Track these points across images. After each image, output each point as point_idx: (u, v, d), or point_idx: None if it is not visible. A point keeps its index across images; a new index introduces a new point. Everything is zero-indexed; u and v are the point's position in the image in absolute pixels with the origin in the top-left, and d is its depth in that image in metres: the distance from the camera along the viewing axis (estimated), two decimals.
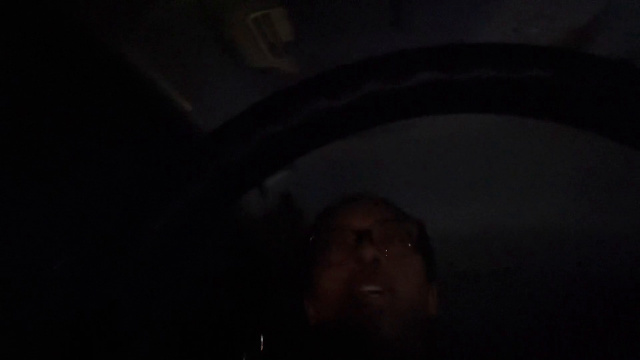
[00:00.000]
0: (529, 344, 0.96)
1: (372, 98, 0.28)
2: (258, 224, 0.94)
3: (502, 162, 0.91)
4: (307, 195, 0.94)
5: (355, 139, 0.84)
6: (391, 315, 0.60)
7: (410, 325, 0.61)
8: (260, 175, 0.31)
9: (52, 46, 0.58)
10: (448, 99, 0.29)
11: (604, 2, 0.64)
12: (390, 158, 0.91)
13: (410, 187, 0.83)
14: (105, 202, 0.62)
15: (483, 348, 0.95)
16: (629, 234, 0.91)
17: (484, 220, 0.97)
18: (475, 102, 0.29)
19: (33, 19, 0.55)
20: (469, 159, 0.91)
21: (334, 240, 0.66)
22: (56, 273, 0.54)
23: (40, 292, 0.53)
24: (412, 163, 0.91)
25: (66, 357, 0.29)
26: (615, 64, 0.28)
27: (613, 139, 0.29)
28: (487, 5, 0.63)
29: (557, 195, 0.93)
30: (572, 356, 0.92)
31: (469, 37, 0.67)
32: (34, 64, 0.56)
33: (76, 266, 0.54)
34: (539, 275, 0.98)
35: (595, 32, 0.66)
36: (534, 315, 0.97)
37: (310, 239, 0.68)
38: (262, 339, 0.87)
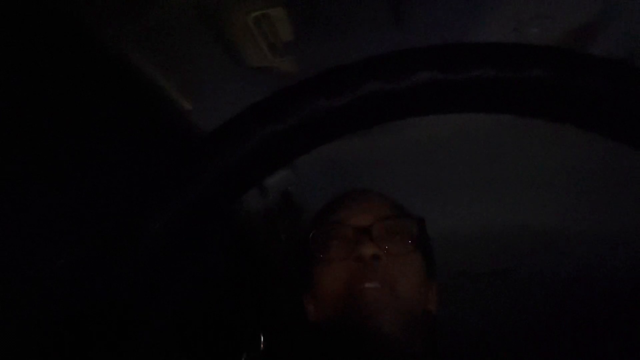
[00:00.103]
0: (529, 344, 0.96)
1: (372, 98, 0.28)
2: (258, 224, 0.94)
3: (502, 162, 0.91)
4: (307, 194, 0.94)
5: (355, 139, 0.84)
6: (391, 313, 0.60)
7: (410, 323, 0.61)
8: (260, 174, 0.31)
9: (52, 46, 0.58)
10: (448, 98, 0.29)
11: (604, 2, 0.64)
12: (390, 158, 0.91)
13: (410, 187, 0.83)
14: (106, 202, 0.62)
15: (483, 348, 0.95)
16: (629, 234, 0.91)
17: (484, 220, 0.97)
18: (475, 102, 0.29)
19: (33, 19, 0.55)
20: (469, 159, 0.91)
21: (333, 237, 0.66)
22: (56, 273, 0.54)
23: (40, 292, 0.53)
24: (412, 163, 0.91)
25: (66, 357, 0.29)
26: (615, 64, 0.28)
27: (613, 139, 0.29)
28: (486, 5, 0.63)
29: (557, 195, 0.93)
30: (572, 356, 0.92)
31: (469, 37, 0.67)
32: (34, 63, 0.56)
33: (77, 266, 0.54)
34: (538, 275, 0.98)
35: (595, 32, 0.66)
36: (534, 315, 0.97)
37: (310, 235, 0.68)
38: (262, 339, 0.87)
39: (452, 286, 0.97)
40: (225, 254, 0.91)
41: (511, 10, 0.63)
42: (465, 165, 0.92)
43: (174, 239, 0.29)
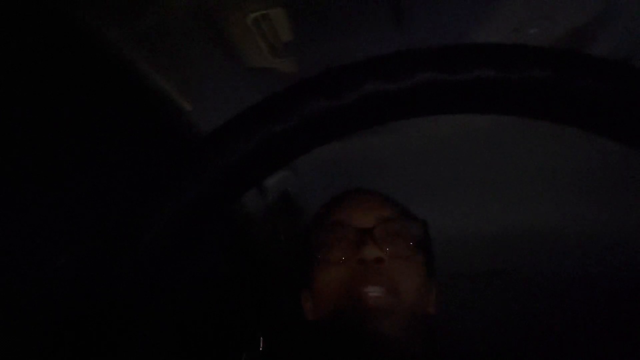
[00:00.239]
0: (528, 344, 0.96)
1: (372, 98, 0.28)
2: (258, 224, 0.94)
3: (501, 162, 0.91)
4: (307, 195, 0.94)
5: (355, 139, 0.85)
6: (392, 315, 0.60)
7: (411, 324, 0.61)
8: (260, 175, 0.31)
9: (51, 46, 0.58)
10: (448, 99, 0.29)
11: (604, 2, 0.64)
12: (390, 158, 0.91)
13: (409, 187, 0.83)
14: (106, 202, 0.62)
15: (482, 348, 0.95)
16: (628, 234, 0.92)
17: (483, 220, 0.97)
18: (475, 102, 0.29)
19: (33, 19, 0.55)
20: (469, 159, 0.91)
21: (335, 238, 0.66)
22: (56, 273, 0.54)
23: (40, 292, 0.53)
24: (411, 163, 0.91)
25: (66, 357, 0.29)
26: (615, 64, 0.28)
27: (613, 140, 0.29)
28: (487, 6, 0.63)
29: (557, 195, 0.93)
30: (572, 356, 0.92)
31: (469, 37, 0.67)
32: (33, 64, 0.56)
33: (76, 266, 0.54)
34: (538, 275, 0.98)
35: (595, 32, 0.66)
36: (534, 315, 0.97)
37: (312, 235, 0.67)
38: (261, 339, 0.87)
39: (452, 286, 0.97)
40: (225, 254, 0.91)
41: (511, 11, 0.63)
42: (465, 165, 0.92)
43: (173, 239, 0.29)
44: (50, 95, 0.58)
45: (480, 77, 0.27)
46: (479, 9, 0.63)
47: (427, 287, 0.67)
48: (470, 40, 0.66)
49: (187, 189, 0.29)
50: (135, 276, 0.28)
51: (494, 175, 0.92)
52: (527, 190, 0.94)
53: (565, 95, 0.27)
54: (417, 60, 0.28)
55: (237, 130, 0.29)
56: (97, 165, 0.64)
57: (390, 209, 0.69)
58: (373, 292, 0.61)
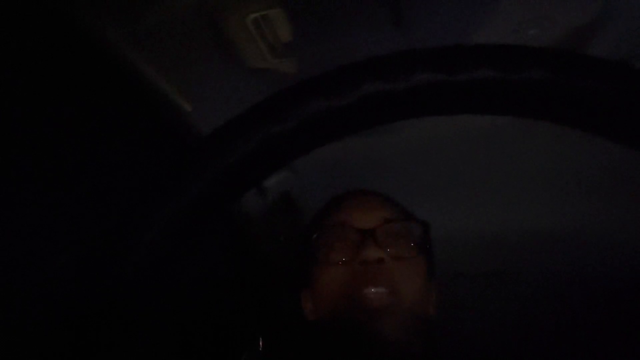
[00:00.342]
0: (528, 344, 0.96)
1: (372, 99, 0.28)
2: (257, 224, 0.94)
3: (501, 162, 0.91)
4: (307, 195, 0.94)
5: (355, 139, 0.85)
6: (393, 316, 0.60)
7: (411, 325, 0.61)
8: (260, 175, 0.31)
9: (51, 46, 0.58)
10: (447, 99, 0.29)
11: (603, 2, 0.64)
12: (390, 158, 0.91)
13: (409, 188, 0.83)
14: (106, 202, 0.62)
15: (482, 348, 0.95)
16: (628, 235, 0.91)
17: (483, 220, 0.97)
18: (474, 103, 0.29)
19: (33, 19, 0.55)
20: (469, 160, 0.91)
21: (337, 238, 0.66)
22: (56, 273, 0.54)
23: (40, 292, 0.53)
24: (411, 163, 0.91)
25: (66, 357, 0.29)
26: (614, 64, 0.28)
27: (613, 140, 0.29)
28: (486, 6, 0.63)
29: (557, 195, 0.93)
30: (572, 356, 0.92)
31: (469, 38, 0.67)
32: (33, 64, 0.57)
33: (76, 266, 0.54)
34: (538, 275, 0.98)
35: (595, 33, 0.66)
36: (533, 316, 0.97)
37: (313, 235, 0.67)
38: (261, 339, 0.87)
39: (452, 287, 0.97)
40: (225, 254, 0.91)
41: (511, 11, 0.63)
42: (465, 165, 0.92)
43: (174, 239, 0.29)
44: (50, 96, 0.58)
45: (480, 78, 0.27)
46: (479, 9, 0.63)
47: (427, 288, 0.67)
48: (470, 41, 0.66)
49: (187, 189, 0.29)
50: (135, 276, 0.28)
51: (494, 176, 0.92)
52: (527, 190, 0.94)
53: (564, 96, 0.27)
54: (416, 60, 0.28)
55: (237, 130, 0.29)
56: (97, 165, 0.64)
57: (392, 209, 0.69)
58: (374, 292, 0.60)
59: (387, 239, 0.64)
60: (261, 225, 0.94)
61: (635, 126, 0.28)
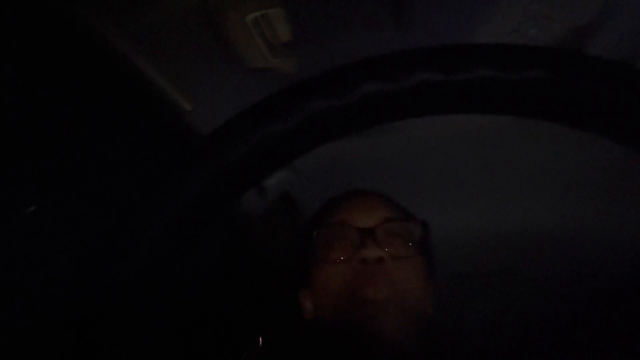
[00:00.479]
0: (528, 344, 0.96)
1: (371, 98, 0.28)
2: (257, 224, 0.94)
3: (501, 162, 0.91)
4: (306, 195, 0.94)
5: (355, 139, 0.85)
6: (393, 316, 0.60)
7: (410, 325, 0.61)
8: (260, 175, 0.31)
9: (51, 46, 0.58)
10: (447, 99, 0.29)
11: (603, 2, 0.64)
12: (390, 158, 0.91)
13: (409, 187, 0.83)
14: (105, 202, 0.62)
15: (482, 348, 0.95)
16: (628, 235, 0.92)
17: (483, 220, 0.97)
18: (474, 102, 0.29)
19: (32, 19, 0.55)
20: (469, 159, 0.91)
21: (336, 237, 0.66)
22: (56, 273, 0.54)
23: (40, 293, 0.53)
24: (411, 163, 0.91)
25: (66, 357, 0.29)
26: (614, 64, 0.28)
27: (612, 140, 0.29)
28: (486, 6, 0.63)
29: (557, 195, 0.93)
30: (571, 356, 0.92)
31: (469, 38, 0.67)
32: (33, 63, 0.57)
33: (76, 266, 0.54)
34: (538, 275, 0.98)
35: (595, 33, 0.66)
36: (533, 315, 0.97)
37: (314, 234, 0.67)
38: (261, 339, 0.87)
39: (452, 287, 0.97)
40: (225, 254, 0.91)
41: (511, 11, 0.63)
42: (465, 165, 0.92)
43: (173, 239, 0.29)
44: (50, 95, 0.58)
45: (480, 78, 0.27)
46: (479, 9, 0.63)
47: (426, 287, 0.67)
48: (470, 41, 0.66)
49: (187, 189, 0.29)
50: (135, 276, 0.28)
51: (494, 175, 0.92)
52: (527, 190, 0.94)
53: (564, 96, 0.27)
54: (416, 60, 0.28)
55: (237, 130, 0.29)
56: (97, 165, 0.64)
57: (391, 209, 0.69)
58: (373, 292, 0.61)
59: (387, 238, 0.64)
60: (261, 224, 0.94)
61: (635, 126, 0.28)
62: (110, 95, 0.66)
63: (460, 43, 0.28)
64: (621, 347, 0.89)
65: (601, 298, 0.94)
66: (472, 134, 0.85)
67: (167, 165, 0.30)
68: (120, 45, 0.62)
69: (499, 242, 0.98)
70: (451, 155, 0.90)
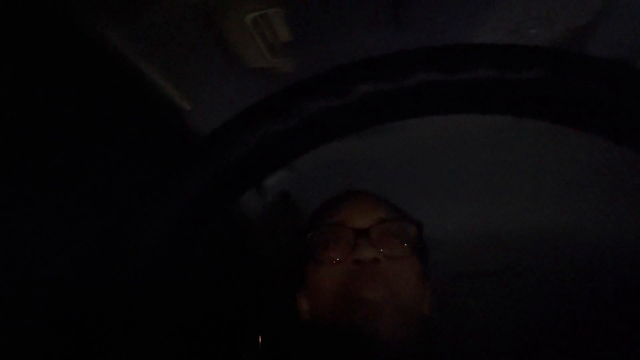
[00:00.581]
0: (529, 344, 0.96)
1: (370, 98, 0.28)
2: (257, 224, 0.94)
3: (501, 162, 0.91)
4: (306, 194, 0.94)
5: (354, 139, 0.85)
6: (389, 316, 0.60)
7: (407, 325, 0.61)
8: (259, 175, 0.31)
9: (50, 46, 0.58)
10: (446, 99, 0.29)
11: (603, 2, 0.64)
12: (389, 158, 0.91)
13: (409, 187, 0.83)
14: (105, 202, 0.62)
15: (482, 348, 0.95)
16: (628, 235, 0.92)
17: (483, 220, 0.97)
18: (473, 102, 0.29)
19: (32, 19, 0.55)
20: (468, 159, 0.91)
21: (332, 238, 0.66)
22: (56, 273, 0.54)
23: (40, 292, 0.53)
24: (411, 163, 0.91)
25: (66, 357, 0.29)
26: (614, 64, 0.28)
27: (612, 140, 0.29)
28: (486, 6, 0.63)
29: (556, 195, 0.93)
30: (571, 356, 0.92)
31: (468, 38, 0.67)
32: (32, 63, 0.56)
33: (76, 266, 0.54)
34: (538, 275, 0.98)
35: (595, 33, 0.66)
36: (534, 315, 0.97)
37: (308, 235, 0.68)
38: (260, 339, 0.87)
39: (452, 287, 0.97)
40: (224, 254, 0.91)
41: (510, 12, 0.63)
42: (464, 165, 0.92)
43: (173, 239, 0.29)
44: (49, 95, 0.58)
45: (479, 78, 0.27)
46: (479, 9, 0.63)
47: (422, 287, 0.67)
48: (470, 41, 0.66)
49: (186, 189, 0.29)
50: (135, 276, 0.29)
51: (494, 175, 0.92)
52: (527, 190, 0.94)
53: (564, 96, 0.27)
54: (414, 60, 0.28)
55: (236, 130, 0.29)
56: (96, 165, 0.64)
57: (386, 210, 0.69)
58: (369, 292, 0.61)
59: (382, 238, 0.65)
60: (260, 224, 0.94)
61: (635, 126, 0.28)
62: (110, 95, 0.66)
63: (460, 43, 0.28)
64: (621, 347, 0.89)
65: (601, 298, 0.94)
66: (472, 134, 0.85)
67: (166, 166, 0.30)
68: (119, 45, 0.62)
69: (499, 242, 0.98)
70: (451, 155, 0.90)
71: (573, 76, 0.27)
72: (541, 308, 0.97)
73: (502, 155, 0.90)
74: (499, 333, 0.97)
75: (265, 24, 0.62)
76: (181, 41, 0.64)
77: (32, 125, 0.56)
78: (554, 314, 0.96)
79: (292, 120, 0.28)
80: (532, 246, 0.97)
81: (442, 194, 0.94)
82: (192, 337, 0.78)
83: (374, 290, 0.61)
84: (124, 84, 0.66)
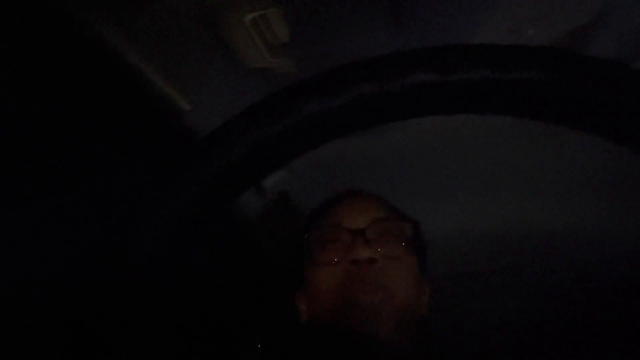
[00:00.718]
0: (528, 344, 0.96)
1: (368, 99, 0.28)
2: (255, 224, 0.94)
3: (500, 162, 0.91)
4: (304, 195, 0.94)
5: (353, 139, 0.84)
6: (386, 316, 0.60)
7: (404, 325, 0.61)
8: (258, 175, 0.31)
9: (49, 46, 0.58)
10: (444, 100, 0.29)
11: (603, 2, 0.64)
12: (387, 158, 0.91)
13: (408, 188, 0.83)
14: (104, 202, 0.62)
15: (481, 348, 0.95)
16: (628, 235, 0.92)
17: (483, 220, 0.97)
18: (471, 103, 0.29)
19: (32, 18, 0.55)
20: (467, 160, 0.91)
21: (328, 239, 0.66)
22: (56, 273, 0.54)
23: (40, 293, 0.53)
24: (410, 163, 0.91)
25: (66, 357, 0.29)
26: (613, 64, 0.28)
27: (611, 141, 0.29)
28: (485, 6, 0.63)
29: (556, 195, 0.93)
30: (571, 356, 0.92)
31: (467, 38, 0.67)
32: (32, 64, 0.57)
33: (76, 266, 0.54)
34: (538, 275, 0.98)
35: (593, 33, 0.66)
36: (534, 315, 0.97)
37: (305, 235, 0.67)
38: (260, 339, 0.87)
39: (451, 287, 0.97)
40: (224, 254, 0.91)
41: (509, 12, 0.63)
42: (463, 165, 0.92)
43: (173, 239, 0.29)
44: (49, 96, 0.58)
45: (477, 78, 0.27)
46: (478, 9, 0.63)
47: (419, 287, 0.67)
48: (469, 41, 0.66)
49: (186, 189, 0.29)
50: (135, 276, 0.29)
51: (493, 175, 0.92)
52: (526, 190, 0.94)
53: (563, 96, 0.28)
54: (412, 61, 0.28)
55: (236, 130, 0.29)
56: (96, 165, 0.64)
57: (383, 209, 0.69)
58: (366, 293, 0.60)
59: (378, 238, 0.64)
60: (259, 225, 0.94)
61: (635, 126, 0.28)
62: (110, 95, 0.66)
63: (458, 43, 0.29)
64: (621, 347, 0.89)
65: (601, 298, 0.94)
66: (472, 134, 0.85)
67: (166, 166, 0.30)
68: (119, 45, 0.62)
69: (499, 242, 0.97)
70: (451, 155, 0.90)
71: (573, 76, 0.27)
72: (541, 308, 0.97)
73: (502, 155, 0.90)
74: (499, 333, 0.97)
75: (265, 24, 0.62)
76: (181, 41, 0.64)
77: (31, 126, 0.56)
78: (554, 313, 0.96)
79: (290, 121, 0.28)
80: (532, 246, 0.97)
81: (442, 194, 0.94)
82: (192, 337, 0.78)
83: (372, 292, 0.60)
84: (123, 84, 0.66)
